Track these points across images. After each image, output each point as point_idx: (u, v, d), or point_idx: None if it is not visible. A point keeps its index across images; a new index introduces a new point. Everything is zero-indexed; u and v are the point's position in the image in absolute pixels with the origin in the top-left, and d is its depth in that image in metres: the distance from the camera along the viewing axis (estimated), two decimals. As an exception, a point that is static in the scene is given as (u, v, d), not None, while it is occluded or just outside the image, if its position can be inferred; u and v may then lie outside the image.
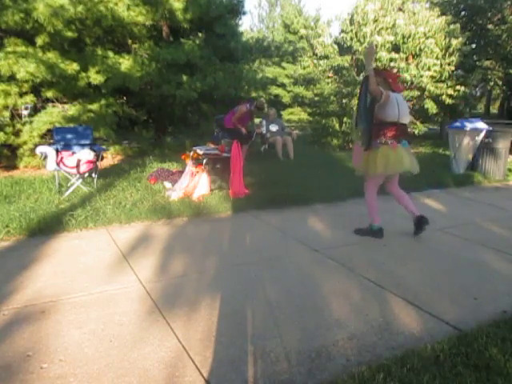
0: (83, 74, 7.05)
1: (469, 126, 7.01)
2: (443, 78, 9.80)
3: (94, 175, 5.26)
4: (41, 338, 2.16)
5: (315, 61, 10.91)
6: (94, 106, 7.43)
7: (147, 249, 3.48)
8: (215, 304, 2.56)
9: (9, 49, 6.45)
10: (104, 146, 6.11)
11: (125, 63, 7.34)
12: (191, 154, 5.52)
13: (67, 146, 5.45)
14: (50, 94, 7.07)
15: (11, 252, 3.38)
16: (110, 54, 7.39)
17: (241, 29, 12.83)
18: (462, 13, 14.21)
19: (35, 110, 7.42)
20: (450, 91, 9.92)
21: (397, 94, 3.67)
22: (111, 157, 7.90)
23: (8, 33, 6.66)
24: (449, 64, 9.74)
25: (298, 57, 13.87)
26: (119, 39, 8.13)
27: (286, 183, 5.62)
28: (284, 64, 19.97)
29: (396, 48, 9.76)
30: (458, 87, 10.01)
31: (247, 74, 9.29)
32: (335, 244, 3.69)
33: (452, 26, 10.16)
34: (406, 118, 3.75)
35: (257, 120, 9.10)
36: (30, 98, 6.85)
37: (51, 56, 6.69)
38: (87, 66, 7.11)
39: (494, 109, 27.95)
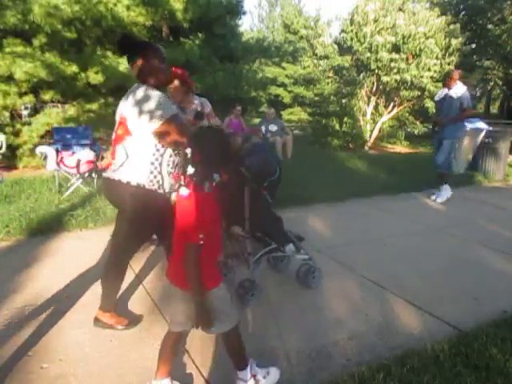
0: (82, 74, 7.05)
1: (469, 126, 7.00)
2: (443, 77, 9.80)
3: (93, 175, 5.25)
4: (41, 338, 2.16)
5: (315, 61, 10.93)
6: (94, 106, 7.44)
7: (147, 249, 3.47)
8: (215, 304, 2.55)
9: (7, 49, 6.46)
10: (104, 146, 6.11)
11: (124, 63, 7.34)
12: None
13: (67, 146, 5.45)
14: (49, 94, 7.07)
15: (11, 252, 3.38)
16: (109, 54, 7.40)
17: (241, 29, 12.83)
18: (462, 13, 14.25)
19: (35, 110, 7.42)
20: (450, 91, 9.92)
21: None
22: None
23: (7, 33, 6.66)
24: (449, 64, 9.75)
25: (298, 57, 13.88)
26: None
27: (286, 183, 5.59)
28: (284, 64, 19.95)
29: (396, 48, 9.77)
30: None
31: (247, 74, 9.30)
32: (335, 244, 3.69)
33: (452, 26, 10.18)
34: None
35: (256, 120, 9.10)
36: (29, 99, 6.86)
37: (50, 56, 6.69)
38: (86, 66, 7.11)
39: (494, 109, 27.93)
